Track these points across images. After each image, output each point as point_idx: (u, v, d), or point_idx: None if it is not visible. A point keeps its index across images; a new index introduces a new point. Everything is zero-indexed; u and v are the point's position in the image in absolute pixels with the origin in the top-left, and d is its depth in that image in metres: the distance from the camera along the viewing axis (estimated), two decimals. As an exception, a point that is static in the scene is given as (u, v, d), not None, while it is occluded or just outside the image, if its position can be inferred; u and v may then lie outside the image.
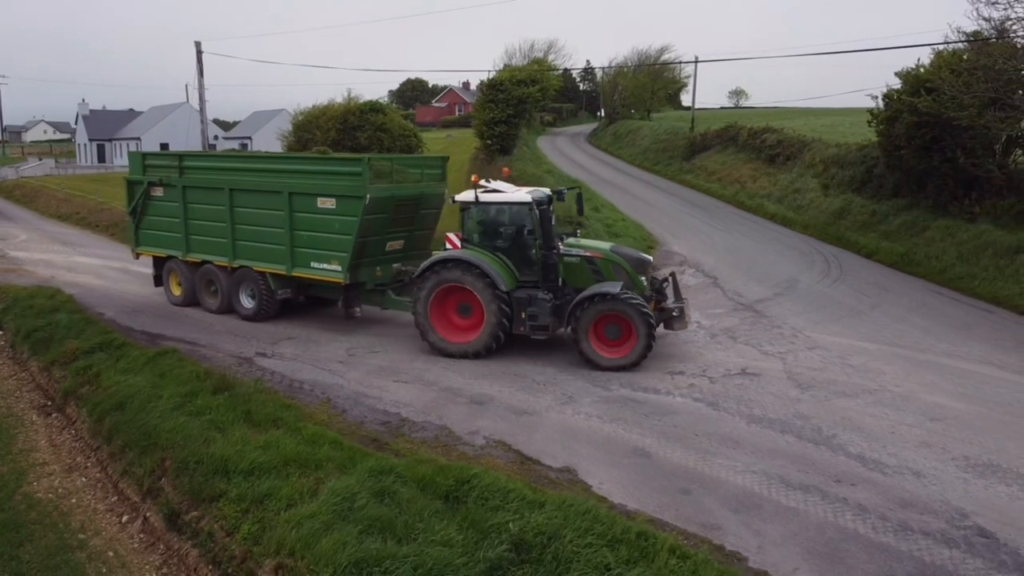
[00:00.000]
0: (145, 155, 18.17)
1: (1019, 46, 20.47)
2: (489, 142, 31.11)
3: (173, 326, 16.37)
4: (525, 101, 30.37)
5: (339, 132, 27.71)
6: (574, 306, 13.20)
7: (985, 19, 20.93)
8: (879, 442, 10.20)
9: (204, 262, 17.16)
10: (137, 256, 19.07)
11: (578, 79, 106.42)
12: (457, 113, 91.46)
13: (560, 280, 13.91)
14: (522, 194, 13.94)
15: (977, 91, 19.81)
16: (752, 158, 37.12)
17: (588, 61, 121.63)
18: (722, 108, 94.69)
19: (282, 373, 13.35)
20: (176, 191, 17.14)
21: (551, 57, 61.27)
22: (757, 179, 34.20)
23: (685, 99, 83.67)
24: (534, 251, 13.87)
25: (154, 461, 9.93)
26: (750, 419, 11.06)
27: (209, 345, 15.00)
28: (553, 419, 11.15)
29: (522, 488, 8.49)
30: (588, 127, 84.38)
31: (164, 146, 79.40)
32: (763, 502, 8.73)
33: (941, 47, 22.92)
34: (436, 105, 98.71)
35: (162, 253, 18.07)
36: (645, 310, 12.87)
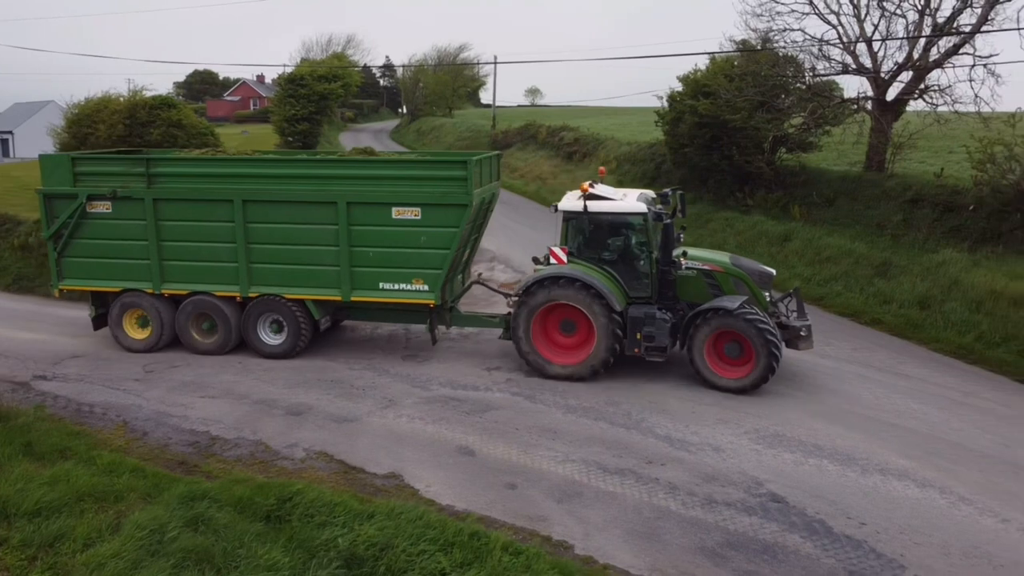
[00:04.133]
0: (76, 158, 13.93)
1: (780, 55, 22.88)
2: (291, 139, 30.00)
3: (-74, 351, 14.24)
4: (327, 97, 29.60)
5: (126, 127, 25.50)
6: (688, 321, 12.28)
7: (752, 29, 23.27)
8: (683, 422, 10.99)
9: (193, 293, 14.00)
10: (59, 294, 14.68)
11: (378, 75, 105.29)
12: (252, 108, 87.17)
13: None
14: (634, 202, 12.65)
15: (747, 95, 21.88)
16: (552, 155, 38.60)
17: (388, 57, 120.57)
18: (520, 106, 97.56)
19: (68, 397, 12.05)
20: (137, 206, 13.63)
21: (350, 52, 60.08)
22: (557, 175, 35.59)
23: (485, 97, 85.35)
24: (643, 263, 12.70)
25: (-89, 511, 8.57)
26: (566, 409, 11.50)
27: (-26, 371, 13.21)
28: (376, 424, 10.95)
29: (349, 500, 8.26)
30: (391, 123, 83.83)
31: (-100, 142, 68.83)
32: (584, 489, 9.11)
33: (717, 55, 25.10)
34: (228, 99, 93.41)
35: (112, 287, 14.19)
36: (766, 328, 11.73)
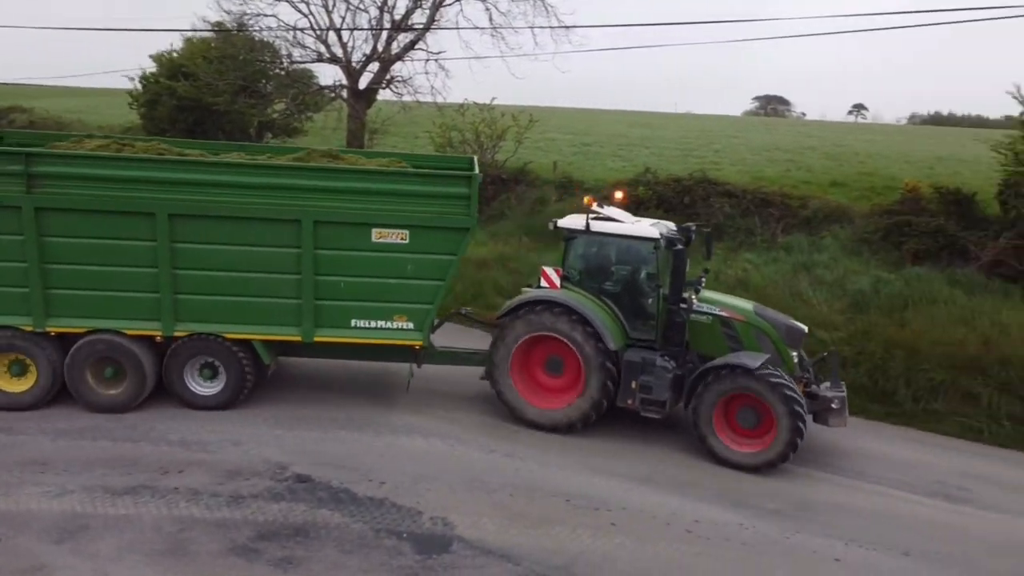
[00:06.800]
0: None
1: (257, 40, 22.91)
2: None
3: None
4: None
5: None
6: (696, 378, 10.15)
7: (226, 11, 22.77)
8: (197, 422, 10.44)
9: (92, 331, 10.53)
10: None
11: None
12: None
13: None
14: (646, 227, 10.83)
15: (228, 79, 21.48)
16: None
17: None
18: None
19: None
20: (10, 217, 10.19)
21: None
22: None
23: None
24: (651, 301, 10.79)
25: None
26: (56, 434, 9.98)
27: None
28: None
29: None
30: None
31: None
32: (90, 520, 8.06)
33: (188, 32, 24.08)
34: None
35: None
36: (793, 396, 9.67)
